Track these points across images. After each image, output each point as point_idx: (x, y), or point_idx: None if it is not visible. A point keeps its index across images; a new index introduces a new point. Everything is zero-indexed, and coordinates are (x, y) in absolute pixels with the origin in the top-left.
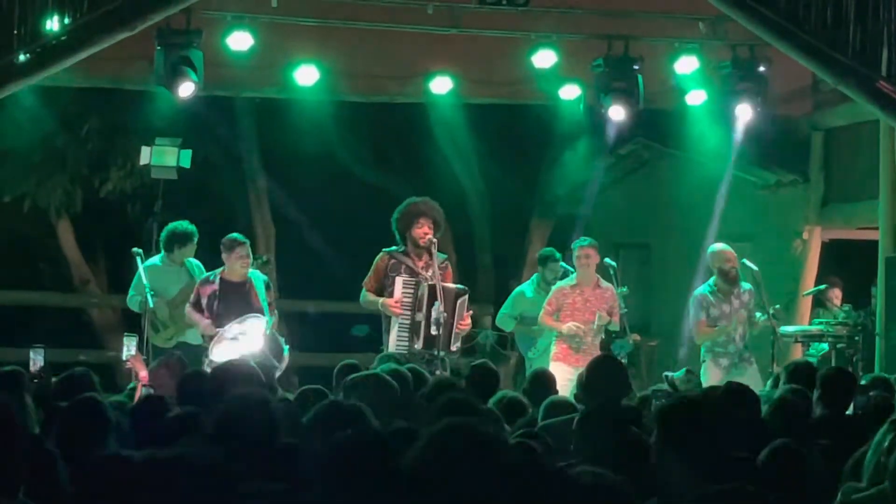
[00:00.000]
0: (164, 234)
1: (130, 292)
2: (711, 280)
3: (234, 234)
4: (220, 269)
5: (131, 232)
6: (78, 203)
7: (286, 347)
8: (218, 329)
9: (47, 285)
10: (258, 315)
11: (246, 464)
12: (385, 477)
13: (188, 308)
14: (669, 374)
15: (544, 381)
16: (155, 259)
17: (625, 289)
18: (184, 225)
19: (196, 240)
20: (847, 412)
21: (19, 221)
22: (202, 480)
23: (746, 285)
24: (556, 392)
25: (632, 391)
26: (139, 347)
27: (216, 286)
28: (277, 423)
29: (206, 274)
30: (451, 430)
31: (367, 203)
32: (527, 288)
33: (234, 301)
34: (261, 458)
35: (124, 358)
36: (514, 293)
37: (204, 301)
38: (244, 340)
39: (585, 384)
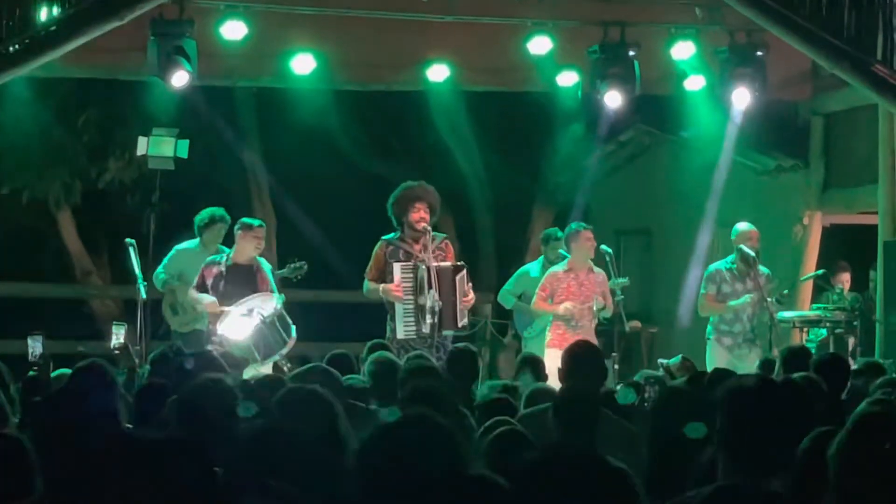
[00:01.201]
0: (195, 219)
1: (158, 269)
2: (731, 256)
3: (252, 219)
4: (228, 252)
5: (132, 223)
6: (77, 194)
7: (293, 326)
8: (224, 308)
9: (49, 277)
10: (267, 294)
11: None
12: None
13: (191, 290)
14: (664, 361)
15: (533, 367)
16: (190, 244)
17: (625, 280)
18: (211, 209)
19: (223, 223)
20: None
21: (19, 213)
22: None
23: (765, 269)
24: (545, 378)
25: (607, 377)
26: (147, 333)
27: (223, 268)
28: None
29: (212, 257)
30: (397, 424)
31: (368, 192)
32: (532, 267)
33: (239, 283)
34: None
35: (112, 347)
36: (519, 271)
37: (209, 282)
38: (252, 315)
39: (563, 371)
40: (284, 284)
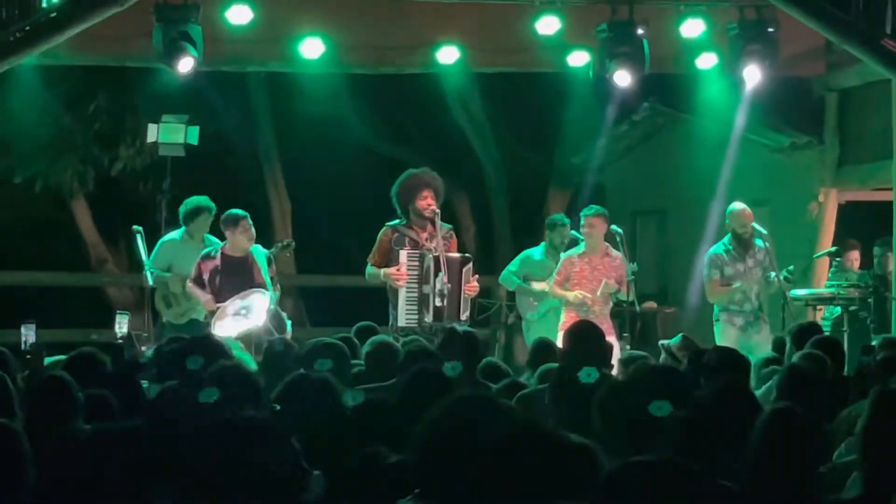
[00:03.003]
0: (181, 208)
1: (147, 264)
2: (726, 238)
3: (235, 210)
4: (221, 245)
5: (146, 210)
6: (90, 182)
7: (289, 322)
8: (219, 304)
9: (65, 266)
10: (262, 290)
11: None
12: None
13: (189, 284)
14: (665, 342)
15: (546, 350)
16: (174, 234)
17: (634, 265)
18: (197, 198)
19: (210, 213)
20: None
21: (33, 203)
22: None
23: (761, 243)
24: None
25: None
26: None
27: (217, 262)
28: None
29: (207, 249)
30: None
31: (382, 175)
32: (535, 251)
33: (235, 276)
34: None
35: (116, 335)
36: (522, 254)
37: (206, 276)
38: (248, 315)
39: (561, 352)
40: (299, 270)
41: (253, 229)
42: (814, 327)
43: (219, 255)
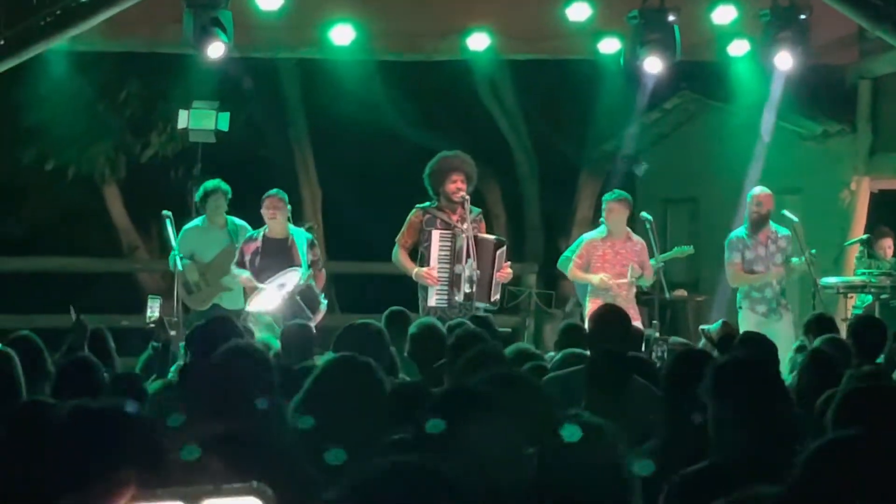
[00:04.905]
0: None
1: (173, 251)
2: (745, 222)
3: (275, 189)
4: (264, 228)
5: (177, 196)
6: (122, 169)
7: (325, 302)
8: (258, 284)
9: (96, 252)
10: (295, 268)
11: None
12: None
13: (233, 268)
14: (706, 327)
15: (575, 336)
16: (196, 221)
17: (688, 248)
18: (208, 182)
19: (222, 194)
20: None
21: (65, 189)
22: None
23: (784, 230)
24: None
25: (637, 342)
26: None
27: (259, 243)
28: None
29: (249, 233)
30: None
31: (414, 163)
32: (594, 234)
33: (274, 257)
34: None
35: (147, 320)
36: (580, 238)
37: (247, 258)
38: (282, 290)
39: (588, 336)
40: (329, 257)
41: (277, 209)
42: (823, 319)
43: (261, 236)
